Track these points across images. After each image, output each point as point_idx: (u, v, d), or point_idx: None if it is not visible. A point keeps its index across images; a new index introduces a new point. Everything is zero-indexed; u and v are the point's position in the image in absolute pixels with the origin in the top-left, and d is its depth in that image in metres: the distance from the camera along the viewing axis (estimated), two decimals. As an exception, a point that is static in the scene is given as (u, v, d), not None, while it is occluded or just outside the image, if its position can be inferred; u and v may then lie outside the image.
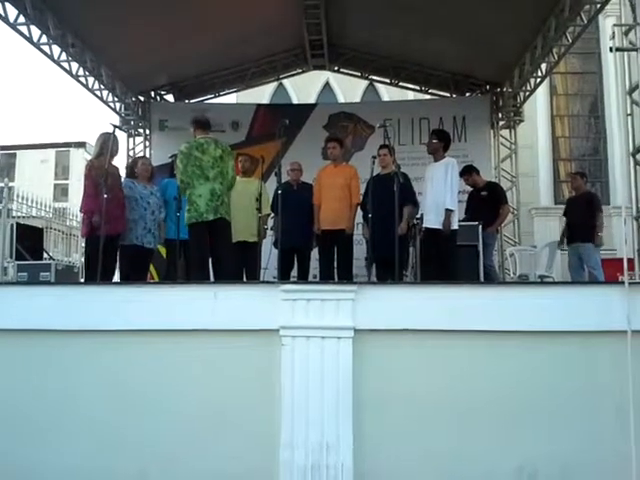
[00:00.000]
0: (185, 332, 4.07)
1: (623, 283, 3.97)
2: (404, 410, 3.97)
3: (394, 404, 3.97)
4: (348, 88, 13.10)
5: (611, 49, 4.47)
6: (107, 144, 5.86)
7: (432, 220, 5.98)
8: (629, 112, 4.95)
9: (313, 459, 3.88)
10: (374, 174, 6.26)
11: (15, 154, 38.86)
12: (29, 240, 8.28)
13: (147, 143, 10.05)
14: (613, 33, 4.51)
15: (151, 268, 7.34)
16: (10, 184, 10.23)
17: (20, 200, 11.21)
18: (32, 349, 4.19)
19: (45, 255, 8.62)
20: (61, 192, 36.63)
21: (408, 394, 3.99)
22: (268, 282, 4.43)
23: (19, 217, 11.09)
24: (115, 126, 6.05)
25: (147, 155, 9.63)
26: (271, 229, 7.16)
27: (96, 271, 5.36)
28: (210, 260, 5.51)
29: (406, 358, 4.02)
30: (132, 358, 4.11)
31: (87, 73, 8.55)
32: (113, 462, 4.06)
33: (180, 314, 4.10)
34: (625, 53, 4.81)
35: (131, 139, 10.17)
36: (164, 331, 4.08)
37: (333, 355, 3.97)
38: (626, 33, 4.93)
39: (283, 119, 5.84)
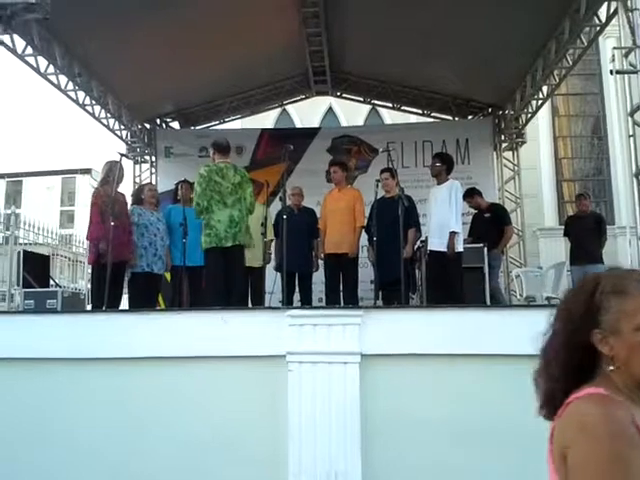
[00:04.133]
0: (191, 359, 4.07)
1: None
2: (413, 435, 3.94)
3: (403, 430, 3.94)
4: (351, 112, 13.19)
5: (611, 72, 4.51)
6: (113, 171, 5.91)
7: (436, 243, 6.00)
8: (631, 133, 4.98)
9: (322, 486, 3.84)
10: (378, 197, 6.30)
11: (21, 181, 39.12)
12: (35, 267, 8.29)
13: (153, 170, 10.13)
14: (613, 56, 4.56)
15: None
16: (16, 211, 10.30)
17: (26, 227, 11.25)
18: (39, 378, 4.20)
19: (51, 282, 8.63)
20: (67, 219, 36.80)
21: (417, 419, 3.96)
22: (274, 308, 4.45)
23: (25, 244, 11.13)
24: (122, 154, 6.12)
25: (153, 182, 9.70)
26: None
27: (103, 298, 5.38)
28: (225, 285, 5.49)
29: (414, 383, 4.00)
30: (138, 386, 4.11)
31: (93, 102, 8.65)
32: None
33: (187, 341, 4.10)
34: (625, 75, 4.86)
35: (137, 166, 10.26)
36: (170, 358, 4.08)
37: (340, 381, 3.96)
38: (626, 55, 4.98)
39: (287, 144, 5.89)
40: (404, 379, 4.00)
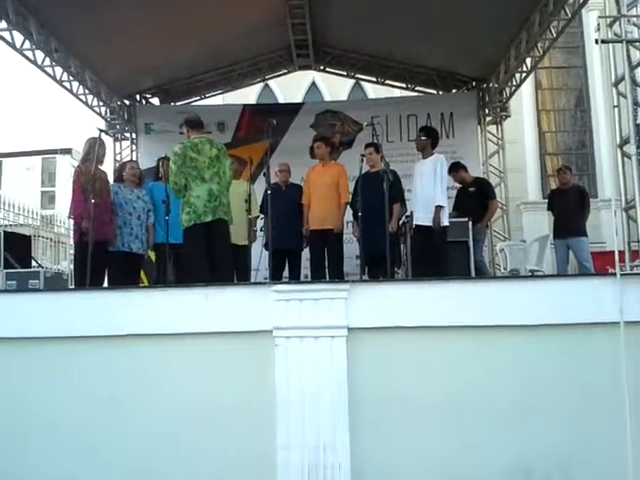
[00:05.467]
0: (177, 336, 4.05)
1: (614, 274, 3.98)
2: (400, 407, 3.97)
3: (390, 401, 3.97)
4: (334, 87, 13.07)
5: (596, 41, 4.48)
6: (93, 149, 5.80)
7: (422, 217, 5.99)
8: (615, 104, 4.96)
9: (310, 460, 3.86)
10: (363, 172, 6.26)
11: (0, 162, 38.49)
12: (17, 248, 8.19)
13: (134, 147, 9.97)
14: (598, 25, 4.51)
15: (141, 273, 7.30)
16: (-5, 192, 10.14)
17: (7, 208, 11.12)
18: (18, 357, 4.16)
19: (34, 263, 8.53)
20: (48, 199, 36.32)
21: (404, 391, 3.98)
22: (260, 283, 4.42)
23: (7, 225, 11.01)
24: (101, 130, 5.98)
25: (134, 159, 9.56)
26: (261, 230, 7.13)
27: (86, 278, 5.31)
28: (209, 262, 5.39)
29: (400, 355, 4.02)
30: (124, 363, 4.08)
31: (71, 78, 8.47)
32: (105, 467, 4.02)
33: (171, 318, 4.07)
34: (610, 45, 4.82)
35: (118, 143, 10.08)
36: (155, 335, 4.05)
37: (327, 354, 3.96)
38: (610, 25, 4.94)
39: (270, 119, 5.79)
40: (391, 352, 4.02)
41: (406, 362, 4.02)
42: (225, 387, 4.03)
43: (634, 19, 4.49)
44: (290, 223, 6.67)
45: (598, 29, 4.49)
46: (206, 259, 5.31)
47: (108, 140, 9.73)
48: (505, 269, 8.19)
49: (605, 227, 10.26)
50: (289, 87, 12.96)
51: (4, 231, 8.53)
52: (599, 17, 4.55)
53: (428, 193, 5.95)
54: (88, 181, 5.65)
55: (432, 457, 3.95)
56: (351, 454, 3.87)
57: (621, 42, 4.48)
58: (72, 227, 5.97)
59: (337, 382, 3.93)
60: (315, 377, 3.94)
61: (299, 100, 12.81)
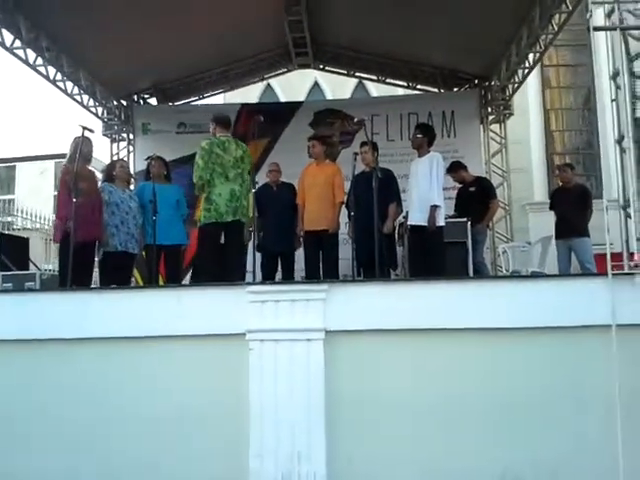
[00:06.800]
0: (148, 339, 3.90)
1: (606, 275, 3.77)
2: (380, 414, 3.78)
3: (369, 408, 3.78)
4: (337, 87, 12.90)
5: (588, 29, 4.27)
6: (79, 147, 5.68)
7: (417, 217, 5.83)
8: (613, 97, 4.74)
9: (284, 468, 3.69)
10: (358, 171, 6.09)
11: (14, 166, 38.77)
12: (14, 251, 8.13)
13: (131, 148, 9.86)
14: (590, 12, 4.30)
15: (135, 273, 7.21)
16: (10, 197, 10.21)
17: (18, 213, 11.23)
18: None
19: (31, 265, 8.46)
20: (60, 203, 36.43)
21: (384, 397, 3.80)
22: (234, 283, 4.24)
23: (19, 230, 11.12)
24: (84, 128, 5.82)
25: (131, 159, 9.46)
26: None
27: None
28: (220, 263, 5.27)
29: (381, 359, 3.84)
30: (94, 366, 3.95)
31: (65, 78, 8.37)
32: (81, 467, 3.91)
33: (143, 320, 3.93)
34: (609, 37, 4.61)
35: (115, 144, 9.97)
36: (126, 338, 3.91)
37: (303, 359, 3.79)
38: (609, 15, 4.72)
39: (257, 116, 5.68)
40: (371, 356, 3.84)
41: (387, 367, 3.83)
42: (196, 393, 3.86)
43: (629, 6, 4.25)
44: (282, 224, 6.54)
45: (590, 16, 4.27)
46: (217, 260, 5.22)
47: (104, 140, 9.69)
48: (507, 271, 7.96)
49: (613, 228, 9.97)
50: (291, 87, 12.81)
51: (0, 233, 8.50)
52: (592, 3, 4.31)
53: (423, 192, 5.80)
54: (72, 180, 5.52)
55: (414, 466, 3.76)
56: (327, 463, 3.69)
57: (615, 30, 4.26)
58: (55, 226, 5.84)
59: (313, 388, 3.75)
60: (290, 383, 3.76)
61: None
